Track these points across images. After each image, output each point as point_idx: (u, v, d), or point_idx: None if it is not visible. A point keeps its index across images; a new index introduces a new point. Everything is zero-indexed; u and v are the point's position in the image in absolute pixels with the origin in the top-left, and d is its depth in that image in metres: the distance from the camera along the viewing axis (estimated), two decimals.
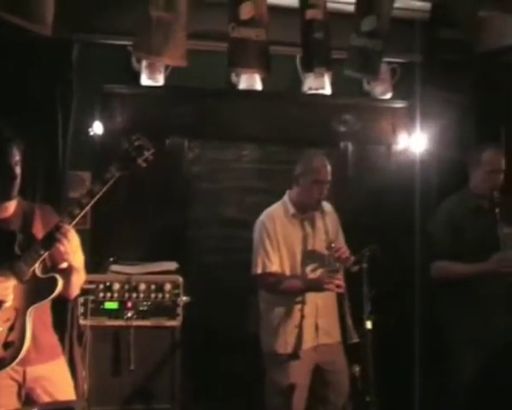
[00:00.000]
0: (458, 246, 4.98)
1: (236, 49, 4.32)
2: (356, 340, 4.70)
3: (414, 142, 6.36)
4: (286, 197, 5.01)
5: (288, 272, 4.90)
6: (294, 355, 4.84)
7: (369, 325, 4.65)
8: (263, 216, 4.98)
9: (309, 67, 4.69)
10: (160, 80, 5.84)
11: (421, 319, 5.86)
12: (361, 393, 4.75)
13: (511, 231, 4.91)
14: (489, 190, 5.03)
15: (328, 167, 4.88)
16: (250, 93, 5.99)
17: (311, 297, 4.87)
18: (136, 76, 5.86)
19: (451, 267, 4.98)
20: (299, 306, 4.88)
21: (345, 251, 4.88)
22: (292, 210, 4.93)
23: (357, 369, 4.82)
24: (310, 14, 4.47)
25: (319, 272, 4.91)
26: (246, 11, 4.25)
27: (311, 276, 4.91)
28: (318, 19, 4.49)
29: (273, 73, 5.26)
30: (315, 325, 4.93)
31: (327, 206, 5.06)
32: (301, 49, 4.63)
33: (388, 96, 6.43)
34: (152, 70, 5.76)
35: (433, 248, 5.15)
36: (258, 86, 6.00)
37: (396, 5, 4.86)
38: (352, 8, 4.75)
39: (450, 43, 4.76)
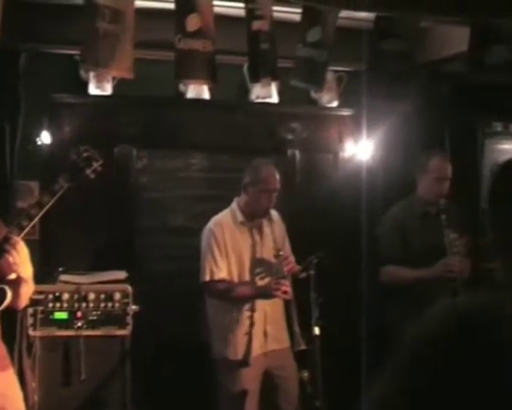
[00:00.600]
0: (405, 251, 5.08)
1: (183, 61, 4.34)
2: (303, 347, 4.78)
3: (360, 149, 6.45)
4: (234, 205, 5.05)
5: (236, 280, 4.96)
6: (244, 362, 4.89)
7: (316, 330, 4.73)
8: (211, 223, 5.01)
9: (255, 77, 4.72)
10: (108, 89, 5.84)
11: (368, 324, 5.94)
12: (310, 398, 4.82)
13: (457, 237, 5.01)
14: (436, 197, 5.15)
15: (277, 176, 4.94)
16: (198, 102, 6.03)
17: (259, 304, 4.93)
18: (84, 85, 5.85)
19: (399, 272, 5.08)
20: (248, 313, 4.94)
21: (291, 259, 4.95)
22: (240, 218, 4.97)
23: (305, 374, 4.91)
24: (256, 25, 4.50)
25: (267, 279, 4.96)
26: (192, 23, 4.27)
27: (259, 283, 4.97)
28: (265, 30, 4.51)
29: (221, 81, 5.29)
30: (264, 332, 5.00)
31: (274, 214, 5.12)
32: (248, 59, 4.66)
33: (335, 104, 6.52)
34: (100, 79, 5.75)
35: (380, 253, 5.24)
36: (206, 95, 6.04)
37: (343, 15, 4.92)
38: (298, 17, 4.79)
39: (393, 54, 4.83)
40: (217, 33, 4.68)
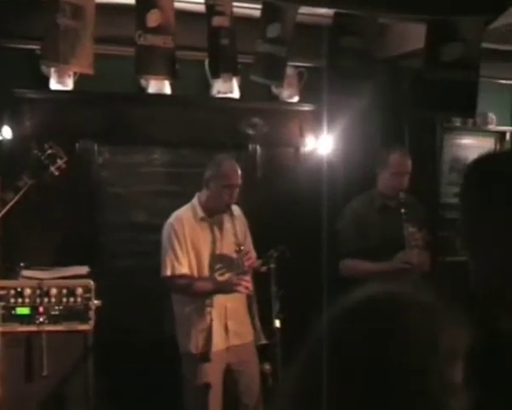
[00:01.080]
0: (365, 244, 5.15)
1: (144, 57, 4.36)
2: (264, 342, 4.83)
3: (321, 144, 6.51)
4: (195, 200, 5.08)
5: (196, 275, 4.99)
6: (205, 357, 4.93)
7: (277, 323, 4.78)
8: (171, 219, 5.04)
9: (216, 73, 4.77)
10: (69, 85, 5.82)
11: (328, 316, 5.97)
12: (272, 390, 4.87)
13: (416, 231, 5.08)
14: (395, 191, 5.22)
15: (238, 171, 4.98)
16: (159, 97, 6.04)
17: (219, 300, 4.97)
18: (46, 80, 5.83)
19: (358, 265, 5.14)
20: (208, 308, 4.97)
21: (252, 255, 5.00)
22: (201, 213, 5.00)
23: (267, 367, 4.95)
24: (216, 21, 4.53)
25: (228, 274, 5.00)
26: (153, 19, 4.29)
27: (220, 278, 5.00)
28: (225, 26, 4.55)
29: (182, 77, 5.31)
30: (225, 327, 5.05)
31: (236, 209, 5.16)
32: (208, 55, 4.70)
33: (295, 99, 6.56)
34: (61, 75, 5.74)
35: (340, 246, 5.30)
36: (167, 90, 6.06)
37: (303, 11, 4.97)
38: (259, 13, 4.84)
39: (351, 51, 4.90)
40: (178, 29, 4.71)
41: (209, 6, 4.54)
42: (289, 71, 6.34)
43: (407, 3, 4.78)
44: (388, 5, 4.81)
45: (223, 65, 4.67)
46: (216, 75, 4.83)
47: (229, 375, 5.14)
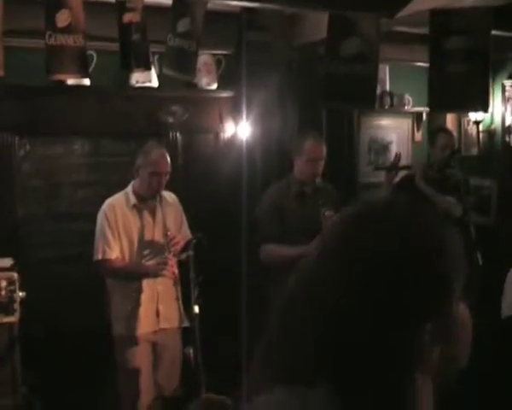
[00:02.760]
0: (283, 230, 5.28)
1: (54, 57, 4.42)
2: (185, 324, 4.99)
3: (240, 130, 6.64)
4: (129, 187, 5.19)
5: (127, 260, 5.11)
6: (134, 339, 5.08)
7: (196, 309, 4.93)
8: (104, 205, 5.16)
9: (128, 68, 4.85)
10: None
11: (248, 303, 6.10)
12: (193, 373, 5.01)
13: (332, 215, 5.22)
14: (311, 177, 5.36)
15: (167, 159, 5.09)
16: (78, 88, 6.06)
17: (151, 284, 5.12)
18: None
19: (277, 251, 5.27)
20: (139, 292, 5.11)
21: (178, 240, 5.12)
22: (133, 200, 5.11)
23: (190, 350, 5.09)
24: (127, 17, 4.61)
25: (155, 259, 5.13)
26: (62, 19, 4.35)
27: (149, 263, 5.13)
28: (136, 21, 4.63)
29: (100, 67, 5.39)
30: (156, 311, 5.18)
31: (170, 196, 5.30)
32: (120, 51, 4.76)
33: (214, 86, 6.66)
34: None
35: (259, 233, 5.43)
36: (87, 81, 6.11)
37: None
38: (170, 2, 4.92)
39: (257, 44, 5.02)
40: (95, 20, 4.78)
41: (119, 3, 4.61)
42: (207, 58, 6.47)
43: None
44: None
45: (135, 60, 4.76)
46: (128, 70, 4.90)
47: (156, 358, 5.29)
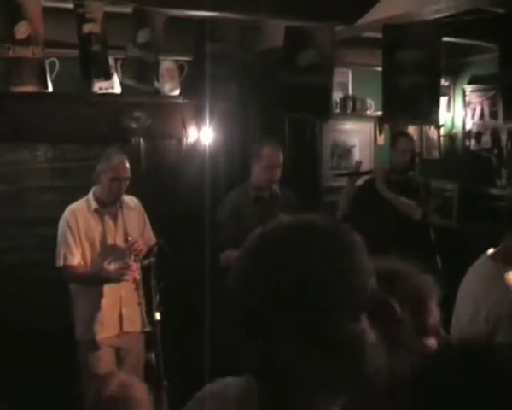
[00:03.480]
0: (241, 235, 5.32)
1: (13, 69, 4.45)
2: (147, 329, 5.06)
3: (203, 135, 6.70)
4: (90, 193, 5.24)
5: (89, 265, 5.16)
6: (99, 343, 5.14)
7: (157, 315, 4.99)
8: (66, 211, 5.21)
9: (88, 77, 4.90)
10: None
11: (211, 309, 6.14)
12: (157, 378, 5.08)
13: None
14: (268, 183, 5.44)
15: (127, 164, 5.14)
16: (41, 95, 6.01)
17: (113, 288, 5.18)
18: None
19: (235, 256, 5.32)
20: (101, 296, 5.17)
21: (139, 245, 5.17)
22: (94, 205, 5.17)
23: (152, 356, 5.16)
24: (87, 28, 4.65)
25: (117, 264, 5.18)
26: (21, 31, 4.38)
27: (110, 268, 5.18)
28: (96, 32, 4.68)
29: (63, 74, 5.42)
30: (119, 314, 5.24)
31: (132, 200, 5.36)
32: (79, 61, 4.80)
33: (177, 92, 6.70)
34: None
35: (219, 238, 5.50)
36: (49, 88, 6.14)
37: None
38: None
39: (216, 55, 5.09)
40: (58, 27, 4.81)
41: (79, 14, 4.65)
42: (170, 65, 6.52)
43: (265, 7, 4.96)
44: (247, 9, 4.96)
45: (95, 70, 4.80)
46: (88, 80, 4.94)
47: (119, 361, 5.35)
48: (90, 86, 6.29)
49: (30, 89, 4.80)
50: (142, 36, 4.90)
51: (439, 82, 4.83)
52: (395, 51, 4.86)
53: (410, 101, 4.83)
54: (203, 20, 5.05)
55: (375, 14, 5.37)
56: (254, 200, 5.56)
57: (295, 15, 5.12)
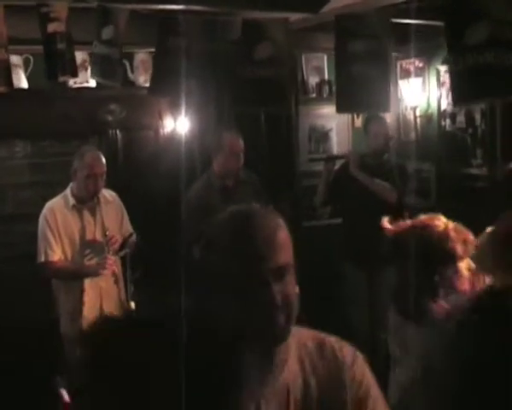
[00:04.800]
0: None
1: None
2: None
3: (179, 126, 6.78)
4: (68, 190, 5.31)
5: (70, 260, 5.24)
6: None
7: (132, 305, 5.09)
8: (45, 209, 5.28)
9: (53, 77, 4.94)
10: None
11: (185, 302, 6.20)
12: None
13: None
14: (232, 171, 5.50)
15: (102, 160, 5.22)
16: (17, 91, 6.12)
17: (93, 282, 5.27)
18: None
19: None
20: (82, 291, 5.25)
21: (117, 239, 5.26)
22: (72, 201, 5.25)
23: None
24: (52, 27, 4.70)
25: (96, 258, 5.27)
26: None
27: (90, 262, 5.27)
28: (61, 31, 4.72)
29: (38, 70, 5.48)
30: (100, 307, 5.32)
31: (110, 194, 5.45)
32: (45, 60, 4.86)
33: None
34: None
35: (190, 231, 5.50)
36: (25, 84, 6.23)
37: None
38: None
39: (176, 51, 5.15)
40: (30, 24, 4.86)
41: (43, 14, 4.70)
42: (144, 56, 6.61)
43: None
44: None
45: (60, 69, 4.85)
46: (54, 79, 4.99)
47: None
48: (65, 81, 6.37)
49: None
50: (107, 33, 4.97)
51: (389, 70, 4.90)
52: (347, 41, 4.92)
53: (361, 90, 4.89)
54: (165, 14, 5.09)
55: (340, 1, 5.40)
56: (220, 189, 5.59)
57: (260, 6, 5.15)
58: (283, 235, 1.87)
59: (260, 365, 1.85)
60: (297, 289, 1.87)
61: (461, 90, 4.13)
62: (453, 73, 4.14)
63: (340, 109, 5.23)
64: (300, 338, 1.97)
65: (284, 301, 1.80)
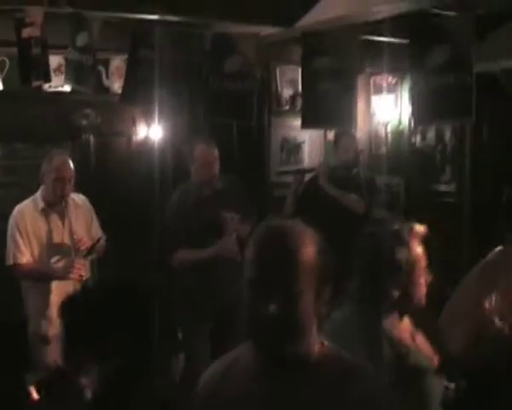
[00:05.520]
0: (187, 235, 5.43)
1: None
2: None
3: (152, 133, 6.85)
4: (38, 193, 5.34)
5: (38, 263, 5.28)
6: (46, 339, 5.25)
7: None
8: (14, 211, 5.30)
9: (27, 81, 4.99)
10: None
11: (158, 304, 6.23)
12: None
13: (232, 216, 5.40)
14: (207, 180, 5.52)
15: (70, 164, 5.24)
16: None
17: (61, 285, 5.25)
18: None
19: (185, 255, 5.42)
20: (49, 292, 5.29)
21: (85, 242, 5.30)
22: (41, 204, 5.27)
23: None
24: (26, 32, 4.75)
25: (64, 261, 5.31)
26: None
27: (58, 266, 5.31)
28: (35, 36, 4.77)
29: (14, 72, 5.52)
30: None
31: (80, 197, 5.48)
32: (18, 65, 4.91)
33: None
34: None
35: (168, 239, 5.57)
36: (0, 86, 6.28)
37: None
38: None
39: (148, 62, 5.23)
40: (6, 26, 4.92)
41: (17, 19, 4.75)
42: (119, 63, 6.69)
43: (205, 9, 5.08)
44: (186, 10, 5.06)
45: (34, 74, 4.91)
46: (27, 83, 5.04)
47: None
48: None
49: None
50: (80, 39, 5.04)
51: (355, 88, 4.98)
52: (313, 58, 5.01)
53: (327, 107, 4.97)
54: (137, 25, 5.17)
55: (315, 16, 5.50)
56: (197, 198, 5.59)
57: (234, 18, 5.24)
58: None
59: None
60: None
61: (421, 111, 4.22)
62: (414, 94, 4.23)
63: (304, 125, 5.31)
64: None
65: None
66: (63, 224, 5.31)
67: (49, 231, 5.28)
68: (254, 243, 2.00)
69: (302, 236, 2.02)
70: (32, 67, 4.90)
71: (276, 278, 1.94)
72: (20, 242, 5.18)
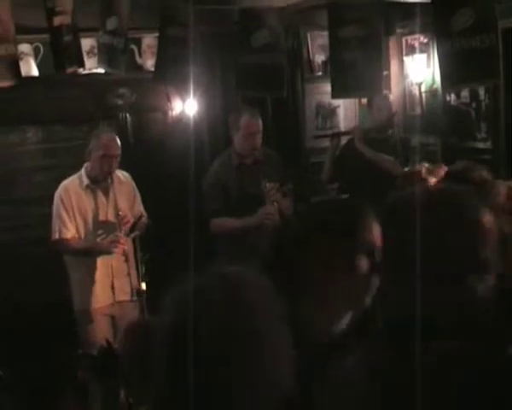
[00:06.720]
0: (227, 203, 5.52)
1: None
2: (134, 298, 5.31)
3: (187, 107, 6.92)
4: (82, 170, 5.46)
5: (83, 238, 5.42)
6: (95, 312, 5.40)
7: (143, 286, 5.23)
8: (59, 188, 5.44)
9: (61, 68, 5.08)
10: None
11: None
12: None
13: (273, 186, 5.46)
14: (249, 151, 5.58)
15: (117, 142, 5.36)
16: (27, 79, 6.22)
17: (105, 260, 5.43)
18: None
19: (225, 223, 5.52)
20: (94, 268, 5.43)
21: (129, 219, 5.41)
22: (86, 181, 5.40)
23: None
24: (58, 20, 4.83)
25: (109, 237, 5.43)
26: None
27: (102, 241, 5.44)
28: (66, 23, 4.86)
29: (48, 57, 5.61)
30: (111, 285, 5.49)
31: (124, 175, 5.61)
32: (52, 53, 5.00)
33: None
34: None
35: (206, 207, 5.66)
36: (35, 72, 6.38)
37: None
38: None
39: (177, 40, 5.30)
40: (39, 13, 4.99)
41: (48, 9, 4.83)
42: (151, 41, 6.75)
43: None
44: None
45: (68, 60, 5.00)
46: (62, 70, 5.13)
47: (115, 331, 5.59)
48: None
49: (5, 84, 4.95)
50: (111, 24, 5.10)
51: (381, 55, 5.00)
52: (339, 27, 5.03)
53: (356, 75, 5.00)
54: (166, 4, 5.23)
55: None
56: (237, 167, 5.68)
57: None
58: None
59: None
60: None
61: (448, 75, 4.23)
62: (441, 58, 4.24)
63: (334, 95, 5.35)
64: None
65: None
66: (108, 200, 5.43)
67: (94, 208, 5.41)
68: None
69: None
70: (64, 53, 4.98)
71: None
72: (66, 217, 5.30)
